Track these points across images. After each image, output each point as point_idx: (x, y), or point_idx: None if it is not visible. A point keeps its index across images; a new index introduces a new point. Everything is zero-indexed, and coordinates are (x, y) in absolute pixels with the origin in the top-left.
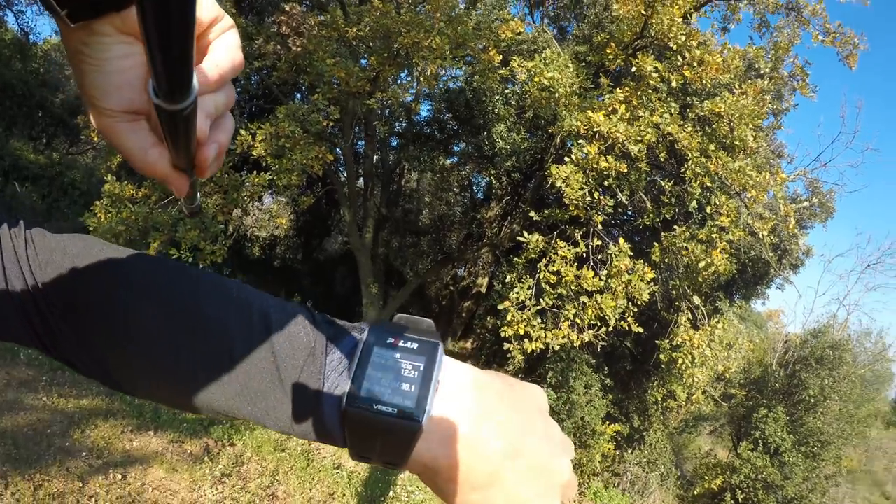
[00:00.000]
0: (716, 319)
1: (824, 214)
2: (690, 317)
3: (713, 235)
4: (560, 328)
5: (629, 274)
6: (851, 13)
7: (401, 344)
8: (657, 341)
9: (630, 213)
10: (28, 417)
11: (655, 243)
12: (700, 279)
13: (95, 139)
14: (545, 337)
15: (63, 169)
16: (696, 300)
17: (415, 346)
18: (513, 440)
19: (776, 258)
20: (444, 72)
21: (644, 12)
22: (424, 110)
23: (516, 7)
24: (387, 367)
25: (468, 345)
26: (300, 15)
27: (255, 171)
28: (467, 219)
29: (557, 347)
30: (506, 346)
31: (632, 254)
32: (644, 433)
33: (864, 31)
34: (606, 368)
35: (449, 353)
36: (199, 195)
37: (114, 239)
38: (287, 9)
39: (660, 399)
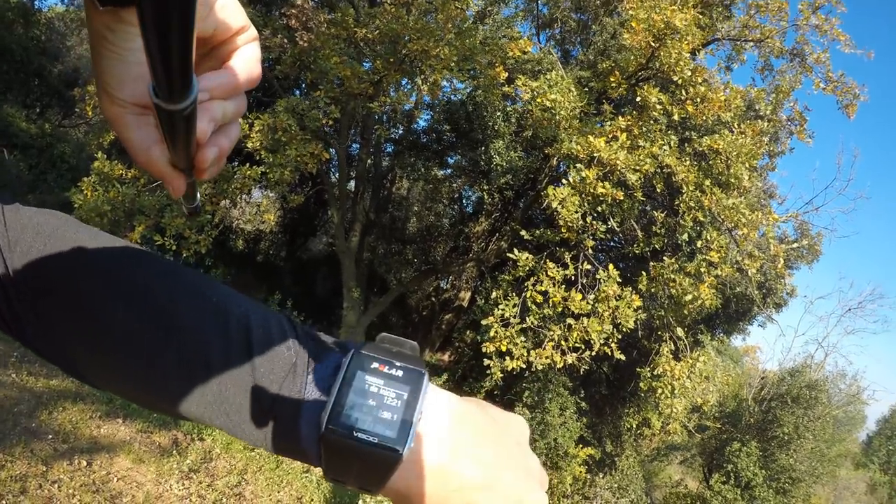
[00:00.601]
0: (697, 352)
1: (811, 257)
2: (673, 347)
3: (702, 269)
4: (544, 348)
5: (617, 300)
6: (854, 64)
7: (385, 370)
8: (637, 369)
9: (619, 240)
10: None
11: (643, 272)
12: (685, 311)
13: (90, 114)
14: (527, 356)
15: (54, 141)
16: (680, 332)
17: (400, 373)
18: (488, 473)
19: (761, 296)
20: (447, 83)
21: (653, 44)
22: (423, 120)
23: (524, 26)
24: (370, 394)
25: (446, 357)
26: (310, 10)
27: (247, 164)
28: (455, 231)
29: (540, 367)
30: (486, 361)
31: (620, 280)
32: (616, 458)
33: (865, 82)
34: (583, 392)
35: (426, 364)
36: (199, 196)
37: (98, 218)
38: (298, 2)
39: (634, 426)
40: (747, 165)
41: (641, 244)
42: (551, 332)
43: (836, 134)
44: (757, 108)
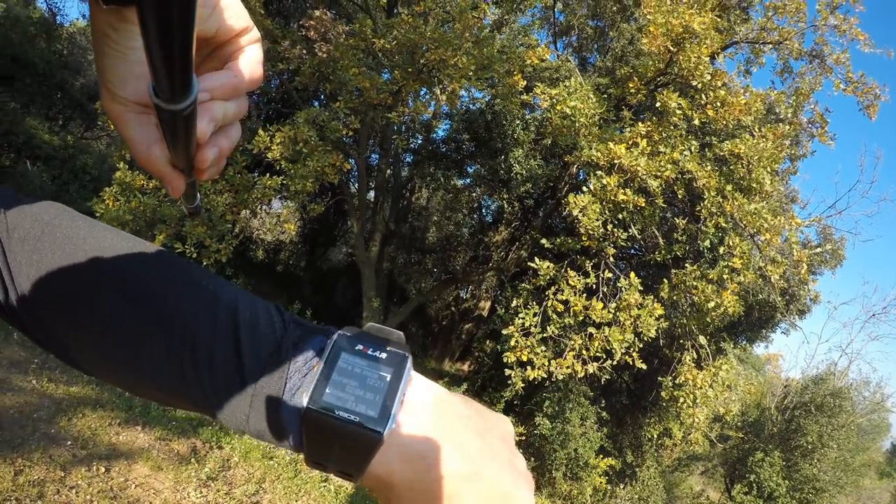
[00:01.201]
0: (720, 360)
1: (834, 262)
2: (695, 356)
3: (724, 276)
4: (565, 358)
5: (638, 308)
6: (875, 63)
7: (369, 352)
8: (659, 378)
9: (640, 247)
10: (15, 399)
11: (665, 280)
12: (708, 319)
13: (112, 126)
14: (549, 366)
15: (76, 152)
16: (703, 340)
17: (384, 355)
18: (473, 464)
19: (784, 303)
20: (465, 92)
21: (671, 49)
22: (442, 130)
23: (541, 35)
24: (353, 374)
25: (465, 367)
26: (329, 21)
27: (267, 174)
28: (474, 241)
29: (561, 377)
30: (506, 371)
31: (641, 288)
32: (637, 469)
33: (886, 81)
34: (603, 401)
35: (446, 374)
36: (198, 196)
37: (119, 227)
38: (317, 14)
39: (655, 436)
40: (769, 170)
41: (663, 251)
42: (572, 342)
43: (859, 136)
44: (777, 111)
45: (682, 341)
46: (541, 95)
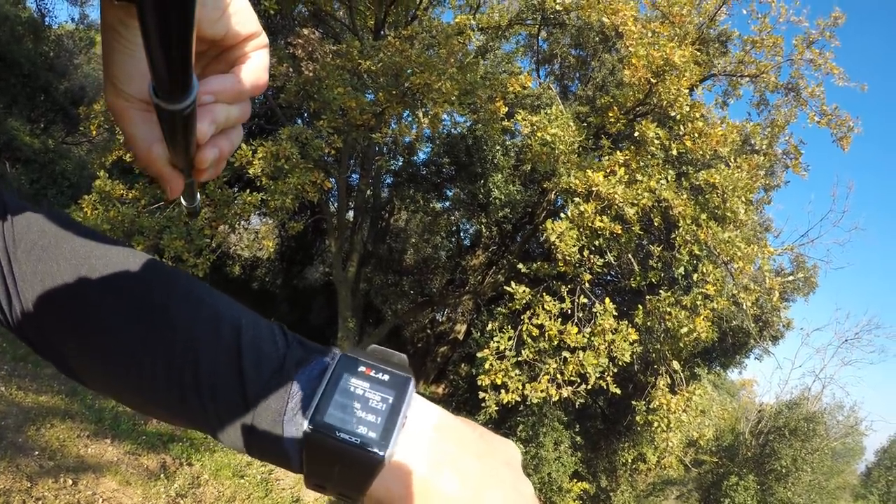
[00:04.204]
0: (693, 385)
1: (807, 289)
2: (669, 381)
3: (697, 303)
4: (539, 381)
5: (613, 333)
6: (848, 96)
7: (372, 374)
8: (633, 403)
9: (615, 273)
10: None
11: (639, 305)
12: (681, 345)
13: (94, 133)
14: (523, 389)
15: (56, 157)
16: (676, 365)
17: (386, 377)
18: (474, 488)
19: (757, 329)
20: (447, 116)
21: (651, 80)
22: (423, 152)
23: (524, 62)
24: (355, 396)
25: (440, 390)
26: (316, 41)
27: (247, 190)
28: (452, 264)
29: (536, 401)
30: (481, 394)
31: (616, 314)
32: (611, 494)
33: (859, 113)
34: (577, 426)
35: (421, 395)
36: (198, 196)
37: None
38: (304, 32)
39: (629, 461)
40: (743, 199)
41: (638, 278)
42: (547, 366)
43: (831, 166)
44: (753, 142)
45: (656, 366)
46: (522, 122)
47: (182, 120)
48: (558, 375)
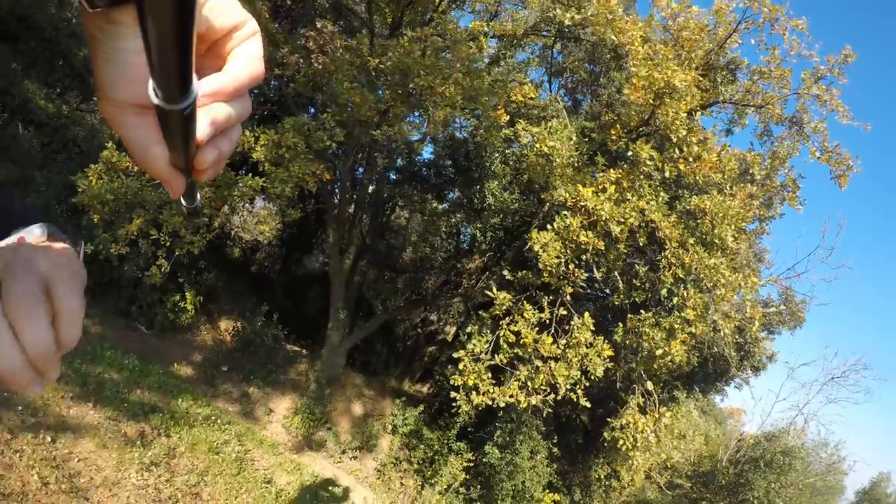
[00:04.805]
0: (665, 407)
1: (793, 323)
2: (641, 401)
3: (676, 326)
4: (509, 387)
5: (587, 347)
6: (850, 134)
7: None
8: (607, 419)
9: (600, 290)
10: None
11: (620, 323)
12: (655, 366)
13: None
14: (492, 392)
15: (69, 123)
16: (650, 385)
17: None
18: None
19: (738, 358)
20: (458, 120)
21: (653, 102)
22: (427, 153)
23: (537, 72)
24: None
25: (425, 389)
26: (328, 34)
27: (250, 174)
28: (448, 266)
29: (503, 405)
30: (453, 394)
31: (594, 329)
32: None
33: (858, 151)
34: (556, 438)
35: (404, 393)
36: (198, 196)
37: (99, 206)
38: (318, 25)
39: (603, 477)
40: (733, 227)
41: (622, 296)
42: (518, 372)
43: (826, 199)
44: (752, 172)
45: (634, 385)
46: (521, 131)
47: (182, 120)
48: (528, 382)
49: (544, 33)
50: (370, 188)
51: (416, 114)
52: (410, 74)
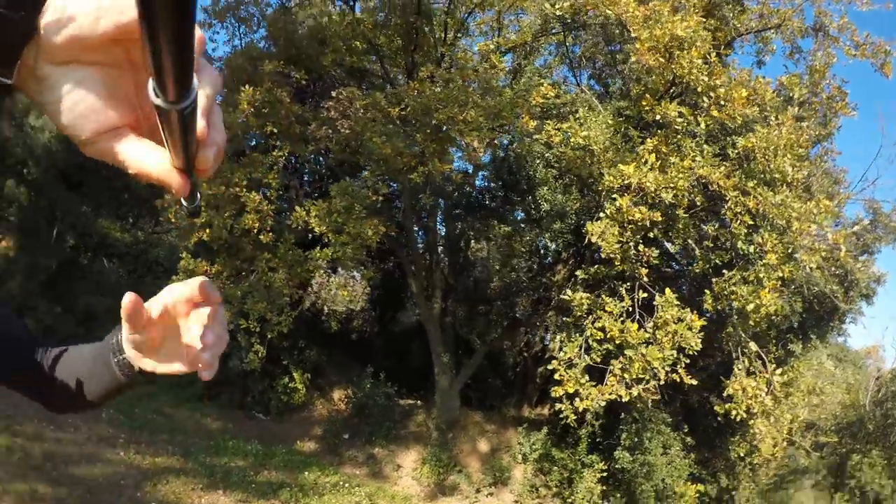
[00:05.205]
0: (777, 365)
1: (892, 236)
2: (747, 364)
3: (761, 275)
4: (606, 384)
5: (675, 324)
6: (875, 22)
7: None
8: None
9: (682, 263)
10: (104, 469)
11: (707, 291)
12: (752, 323)
13: (172, 219)
14: (592, 394)
15: (148, 247)
16: (753, 346)
17: None
18: None
19: (843, 291)
20: (505, 139)
21: (664, 60)
22: (479, 180)
23: (563, 70)
24: None
25: (545, 411)
26: (346, 99)
27: (318, 247)
28: (536, 284)
29: (603, 403)
30: (557, 406)
31: (679, 303)
32: (733, 493)
33: (892, 36)
34: (687, 426)
35: (525, 420)
36: (198, 194)
37: None
38: (333, 94)
39: (742, 454)
40: (790, 156)
41: (701, 262)
42: (612, 367)
43: (873, 104)
44: (792, 94)
45: (730, 351)
46: (552, 132)
47: (183, 120)
48: (625, 375)
49: (553, 31)
50: (441, 230)
51: (461, 144)
52: (430, 112)
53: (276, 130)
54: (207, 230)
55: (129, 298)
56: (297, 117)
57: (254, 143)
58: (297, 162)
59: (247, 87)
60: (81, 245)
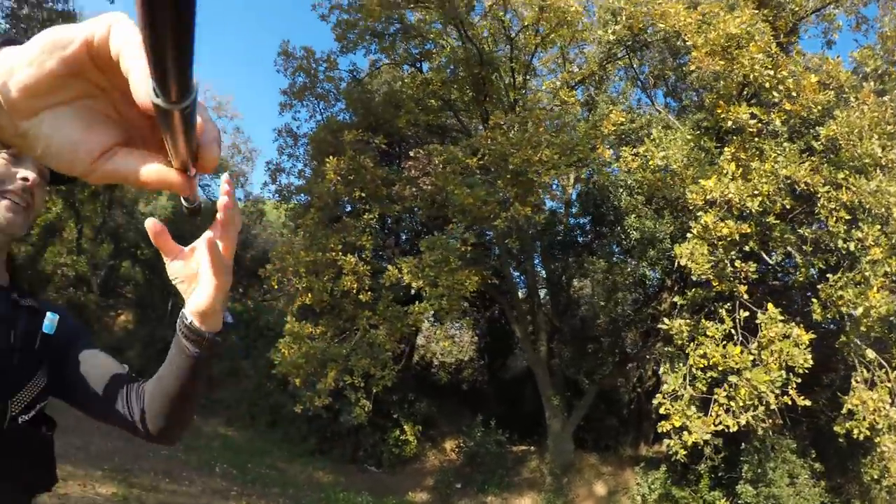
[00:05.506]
0: None
1: None
2: (867, 375)
3: (867, 274)
4: (710, 414)
5: (780, 341)
6: None
7: None
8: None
9: (780, 273)
10: None
11: (814, 299)
12: (863, 328)
13: (275, 286)
14: (697, 426)
15: (257, 314)
16: (870, 353)
17: None
18: None
19: None
20: (582, 176)
21: (723, 63)
22: (572, 218)
23: (634, 94)
24: None
25: (663, 448)
26: (424, 157)
27: (415, 302)
28: (642, 315)
29: (707, 437)
30: (665, 442)
31: (784, 318)
32: None
33: None
34: (814, 451)
35: (642, 459)
36: (198, 193)
37: (295, 370)
38: (412, 154)
39: (876, 476)
40: (876, 137)
41: (804, 269)
42: (716, 395)
43: None
44: (866, 69)
45: (851, 362)
46: (628, 158)
47: (183, 119)
48: (731, 403)
49: (618, 57)
50: (542, 271)
51: (540, 188)
52: (506, 157)
53: (364, 195)
54: (309, 294)
55: (150, 223)
56: (383, 180)
57: (348, 208)
58: (391, 222)
59: (331, 157)
60: None
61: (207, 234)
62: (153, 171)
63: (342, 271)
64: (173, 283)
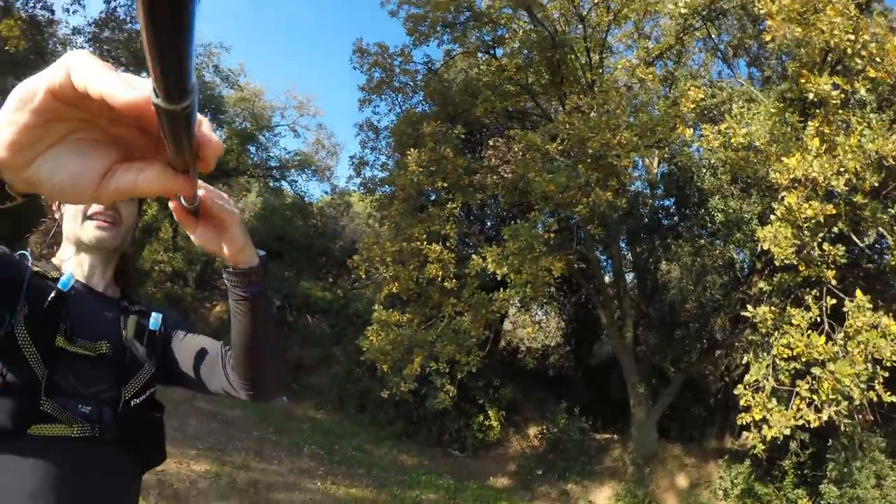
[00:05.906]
0: None
1: None
2: None
3: None
4: (790, 408)
5: (867, 331)
6: None
7: None
8: None
9: (875, 257)
10: (302, 496)
11: None
12: None
13: (362, 276)
14: (777, 420)
15: (347, 302)
16: None
17: None
18: None
19: None
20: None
21: (801, 29)
22: (657, 200)
23: (715, 66)
24: None
25: (747, 442)
26: (503, 145)
27: (500, 289)
28: (732, 300)
29: (787, 431)
30: (745, 435)
31: (871, 306)
32: None
33: None
34: None
35: (727, 451)
36: (198, 192)
37: (383, 357)
38: (490, 143)
39: None
40: None
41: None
42: (798, 388)
43: None
44: None
45: None
46: (709, 136)
47: (183, 119)
48: (814, 396)
49: (695, 28)
50: (628, 255)
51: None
52: (585, 141)
53: (446, 184)
54: (396, 283)
55: (173, 204)
56: (464, 169)
57: (432, 198)
58: (475, 209)
59: (413, 149)
60: (287, 305)
61: (200, 191)
62: (152, 179)
63: (427, 260)
64: (204, 250)
